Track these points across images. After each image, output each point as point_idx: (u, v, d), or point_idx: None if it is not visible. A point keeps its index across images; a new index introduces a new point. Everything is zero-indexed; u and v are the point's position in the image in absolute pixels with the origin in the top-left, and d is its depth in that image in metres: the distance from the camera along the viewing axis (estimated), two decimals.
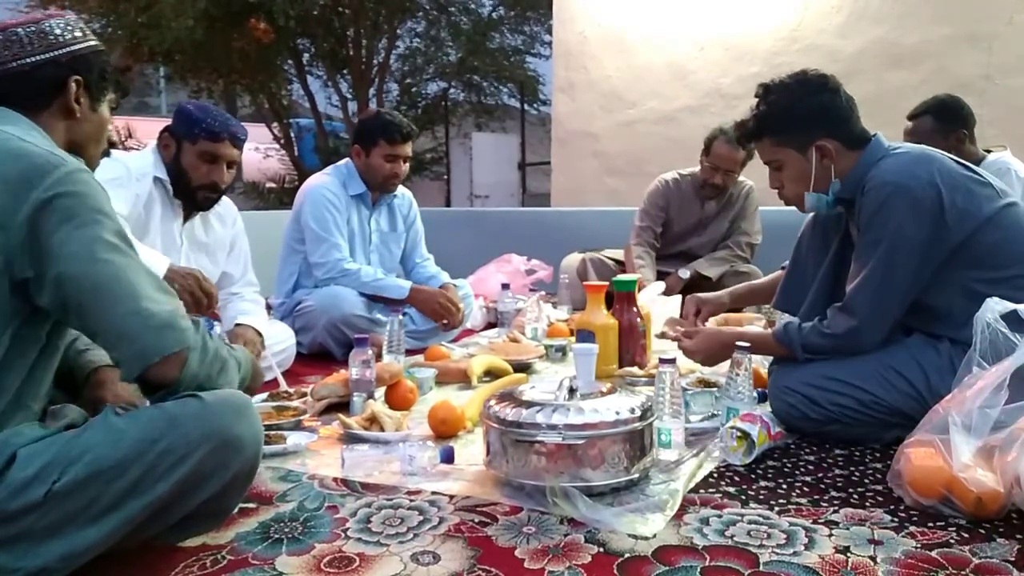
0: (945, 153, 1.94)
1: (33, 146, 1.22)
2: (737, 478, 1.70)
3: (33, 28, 1.32)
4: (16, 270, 1.18)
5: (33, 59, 1.31)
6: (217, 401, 1.27)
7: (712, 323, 3.01)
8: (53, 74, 1.33)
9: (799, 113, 1.95)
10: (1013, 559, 1.31)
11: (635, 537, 1.40)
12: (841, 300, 1.93)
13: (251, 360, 1.51)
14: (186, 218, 2.51)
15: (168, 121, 2.48)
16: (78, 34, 1.37)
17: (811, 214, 2.17)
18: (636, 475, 1.61)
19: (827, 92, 1.96)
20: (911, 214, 1.79)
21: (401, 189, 3.43)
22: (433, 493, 1.62)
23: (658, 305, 3.11)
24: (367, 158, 3.21)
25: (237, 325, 2.53)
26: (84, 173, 1.24)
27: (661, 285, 3.48)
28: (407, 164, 3.28)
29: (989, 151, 3.10)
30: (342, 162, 3.35)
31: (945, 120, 3.01)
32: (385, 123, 3.19)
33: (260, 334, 2.55)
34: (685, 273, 3.82)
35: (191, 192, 2.43)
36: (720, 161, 3.74)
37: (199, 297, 2.19)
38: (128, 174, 2.33)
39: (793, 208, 2.08)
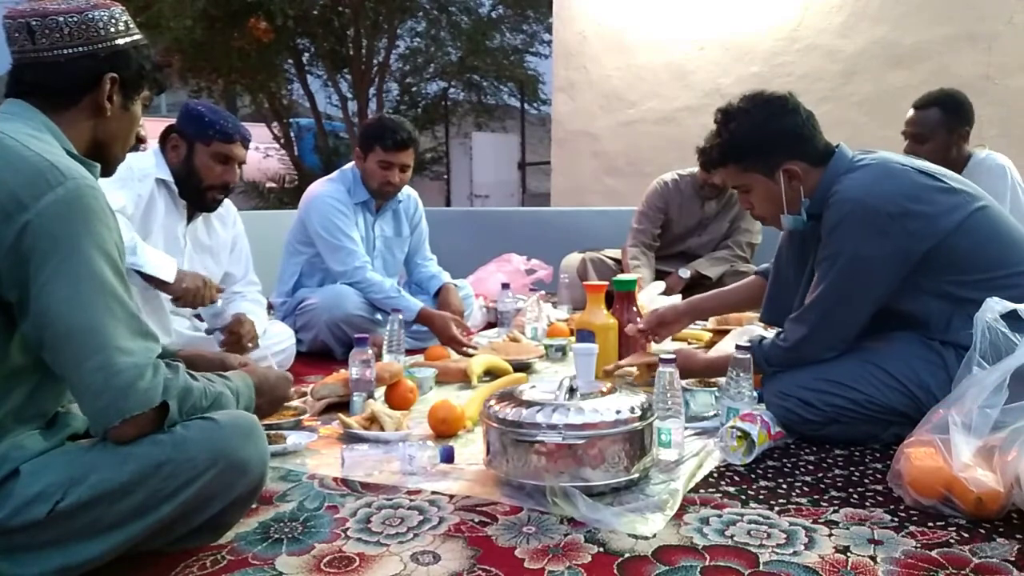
0: (910, 162, 1.91)
1: (36, 155, 1.14)
2: (737, 478, 1.70)
3: (76, 18, 1.26)
4: (3, 290, 1.13)
5: (70, 51, 1.25)
6: (225, 424, 1.26)
7: (712, 323, 3.01)
8: (89, 68, 1.26)
9: (763, 139, 1.93)
10: (1013, 559, 1.31)
11: (635, 537, 1.40)
12: None
13: (251, 386, 1.47)
14: (189, 219, 2.51)
15: (168, 120, 2.48)
16: (121, 27, 1.31)
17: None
18: (636, 475, 1.61)
19: (788, 114, 1.93)
20: (870, 231, 1.79)
21: (407, 189, 3.40)
22: (433, 493, 1.62)
23: (658, 305, 3.11)
24: (364, 163, 3.19)
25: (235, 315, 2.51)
26: (86, 190, 1.15)
27: (661, 285, 3.48)
28: (406, 173, 3.20)
29: (971, 154, 3.05)
30: (348, 166, 3.33)
31: (953, 115, 2.92)
32: (383, 129, 3.14)
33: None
34: (685, 273, 3.82)
35: (201, 192, 2.43)
36: None
37: (203, 297, 2.23)
38: (130, 174, 2.33)
39: None
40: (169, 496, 1.19)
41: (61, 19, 1.25)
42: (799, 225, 1.99)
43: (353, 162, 3.30)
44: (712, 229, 3.97)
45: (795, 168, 1.92)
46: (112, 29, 1.29)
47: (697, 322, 2.78)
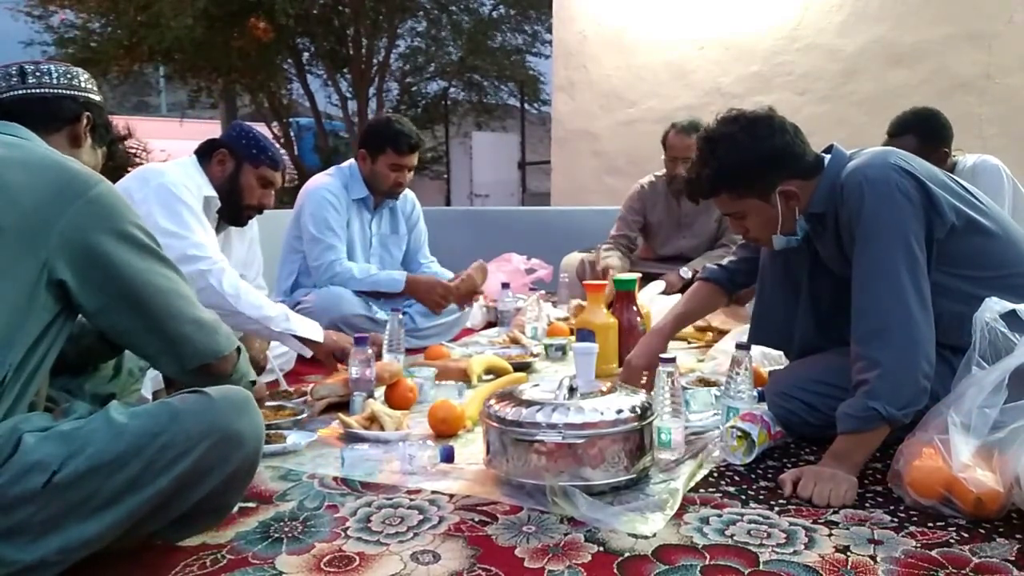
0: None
1: (69, 161, 1.32)
2: (737, 478, 1.70)
3: (63, 69, 1.52)
4: (54, 270, 1.23)
5: (55, 91, 1.49)
6: (219, 397, 1.29)
7: (717, 322, 3.00)
8: (69, 107, 1.49)
9: (754, 164, 1.83)
10: (1013, 559, 1.32)
11: (635, 536, 1.40)
12: (830, 319, 1.90)
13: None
14: (218, 231, 2.52)
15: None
16: (94, 89, 1.56)
17: None
18: (636, 474, 1.61)
19: (776, 134, 1.83)
20: (903, 202, 1.69)
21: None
22: (433, 492, 1.62)
23: (658, 304, 3.11)
24: (373, 164, 3.21)
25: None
26: (114, 188, 1.34)
27: (661, 284, 3.48)
28: (411, 172, 3.28)
29: (955, 163, 3.01)
30: (346, 164, 3.34)
31: (929, 140, 2.85)
32: (395, 132, 3.18)
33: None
34: (687, 273, 3.81)
35: (239, 210, 2.48)
36: (676, 151, 3.75)
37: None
38: (198, 190, 2.39)
39: None
40: (164, 468, 1.21)
41: (52, 67, 1.51)
42: (793, 244, 1.94)
43: (351, 160, 3.31)
44: (698, 230, 3.94)
45: (792, 188, 1.84)
46: (90, 86, 1.54)
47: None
